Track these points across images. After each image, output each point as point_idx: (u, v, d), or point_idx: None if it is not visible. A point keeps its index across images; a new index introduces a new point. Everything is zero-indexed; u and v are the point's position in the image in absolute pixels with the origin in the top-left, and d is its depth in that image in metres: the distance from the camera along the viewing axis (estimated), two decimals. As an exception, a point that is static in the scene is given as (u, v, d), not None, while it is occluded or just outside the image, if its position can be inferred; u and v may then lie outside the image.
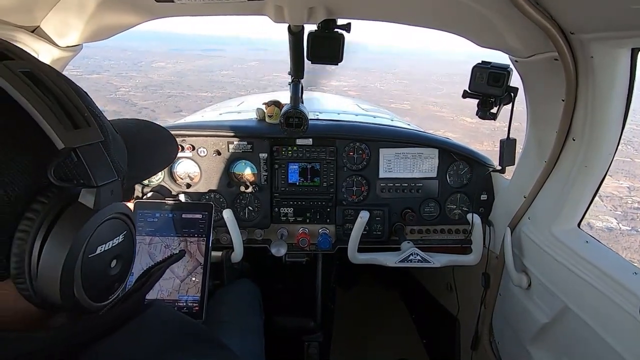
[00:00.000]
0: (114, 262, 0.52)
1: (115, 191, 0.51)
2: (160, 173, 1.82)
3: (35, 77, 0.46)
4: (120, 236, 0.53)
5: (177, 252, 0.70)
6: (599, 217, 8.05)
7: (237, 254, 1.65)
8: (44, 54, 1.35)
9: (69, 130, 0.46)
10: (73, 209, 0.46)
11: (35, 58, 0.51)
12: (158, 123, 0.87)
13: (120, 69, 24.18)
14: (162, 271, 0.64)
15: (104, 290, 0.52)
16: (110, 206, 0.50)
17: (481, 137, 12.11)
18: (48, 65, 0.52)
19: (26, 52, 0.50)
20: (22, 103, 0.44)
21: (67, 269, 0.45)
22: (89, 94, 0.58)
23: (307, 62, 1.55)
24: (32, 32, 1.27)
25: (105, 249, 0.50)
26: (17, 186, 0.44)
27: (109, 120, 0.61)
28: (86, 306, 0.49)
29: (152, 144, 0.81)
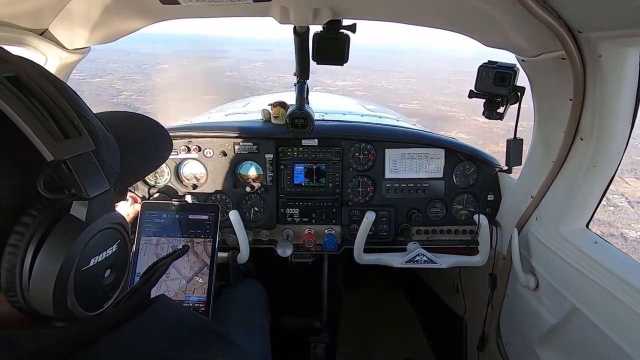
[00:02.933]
0: (107, 272, 0.51)
1: (107, 202, 0.50)
2: (167, 174, 1.83)
3: (20, 82, 0.44)
4: (114, 246, 0.51)
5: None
6: (632, 226, 6.75)
7: (243, 255, 1.66)
8: (52, 56, 1.37)
9: (58, 140, 0.44)
10: (64, 223, 0.45)
11: (21, 59, 0.48)
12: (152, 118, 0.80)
13: (124, 72, 23.94)
14: (167, 266, 0.63)
15: (98, 300, 0.51)
16: (103, 217, 0.48)
17: (496, 138, 11.57)
18: (34, 66, 0.50)
19: (9, 52, 0.47)
20: (7, 113, 0.42)
21: (60, 284, 0.44)
22: (89, 98, 0.55)
23: (312, 63, 1.55)
24: (41, 35, 1.29)
25: (99, 260, 0.49)
26: (4, 199, 0.42)
27: (98, 119, 0.57)
28: (79, 316, 0.48)
29: (146, 142, 0.77)
